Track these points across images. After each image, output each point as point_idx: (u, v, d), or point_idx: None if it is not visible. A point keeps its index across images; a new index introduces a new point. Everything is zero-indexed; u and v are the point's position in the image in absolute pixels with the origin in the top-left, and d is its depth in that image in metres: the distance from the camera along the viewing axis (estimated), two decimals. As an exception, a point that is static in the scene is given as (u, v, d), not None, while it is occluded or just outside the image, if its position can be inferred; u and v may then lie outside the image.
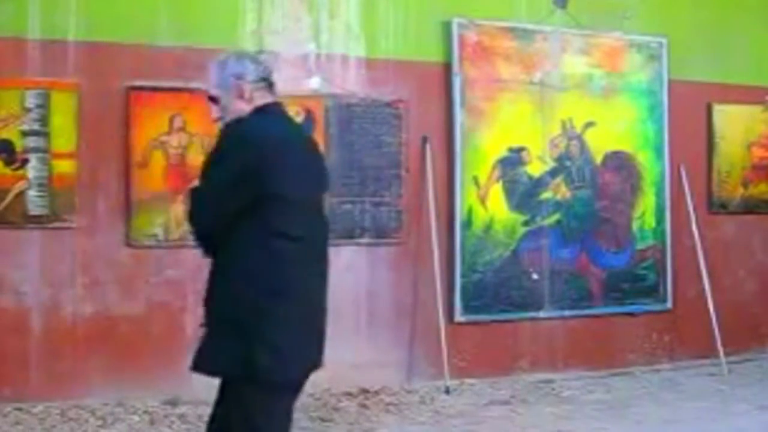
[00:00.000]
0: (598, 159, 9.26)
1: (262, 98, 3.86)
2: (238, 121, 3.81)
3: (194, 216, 3.82)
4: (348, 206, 8.22)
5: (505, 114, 8.84)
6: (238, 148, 3.73)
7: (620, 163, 9.37)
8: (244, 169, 3.65)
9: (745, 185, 9.98)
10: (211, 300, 3.77)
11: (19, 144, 7.38)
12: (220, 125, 3.89)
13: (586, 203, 9.19)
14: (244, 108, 3.82)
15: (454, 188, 8.63)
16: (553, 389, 8.53)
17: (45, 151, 7.42)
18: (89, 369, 7.47)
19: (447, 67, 8.67)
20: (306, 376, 3.86)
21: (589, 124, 9.19)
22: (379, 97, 8.39)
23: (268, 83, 3.91)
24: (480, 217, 8.71)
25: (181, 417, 7.24)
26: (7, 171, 7.35)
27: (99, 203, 7.58)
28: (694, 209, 9.54)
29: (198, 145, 7.63)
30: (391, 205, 8.40)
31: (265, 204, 3.64)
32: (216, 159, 3.78)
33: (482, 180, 8.72)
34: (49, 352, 7.42)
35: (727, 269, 9.81)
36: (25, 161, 7.38)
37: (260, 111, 3.86)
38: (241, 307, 3.65)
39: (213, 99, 3.89)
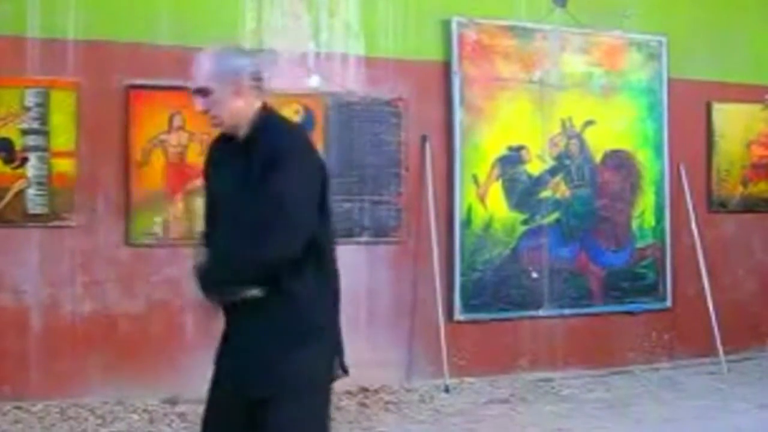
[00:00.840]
0: (598, 158, 9.26)
1: (255, 97, 3.70)
2: (278, 125, 3.71)
3: (294, 234, 3.52)
4: (347, 205, 8.21)
5: (505, 113, 8.84)
6: (309, 157, 3.66)
7: (620, 161, 9.37)
8: (319, 180, 3.65)
9: (744, 184, 9.98)
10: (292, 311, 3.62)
11: (19, 142, 7.38)
12: (212, 121, 3.71)
13: (585, 202, 9.19)
14: (239, 105, 3.64)
15: (453, 187, 8.63)
16: (553, 388, 8.53)
17: (44, 149, 7.43)
18: (89, 367, 7.48)
19: (446, 66, 8.67)
20: None
21: (589, 123, 9.20)
22: (378, 95, 8.39)
23: (260, 82, 3.74)
24: (479, 215, 8.71)
25: (181, 416, 7.23)
26: (7, 169, 7.36)
27: (98, 202, 7.59)
28: (694, 208, 9.55)
29: (197, 144, 7.63)
30: (391, 204, 8.40)
31: None
32: (286, 168, 3.52)
33: (482, 179, 8.72)
34: (48, 350, 7.42)
35: (726, 268, 9.81)
36: (25, 160, 7.39)
37: (275, 114, 3.79)
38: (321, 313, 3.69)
39: (202, 91, 3.64)
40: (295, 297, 3.57)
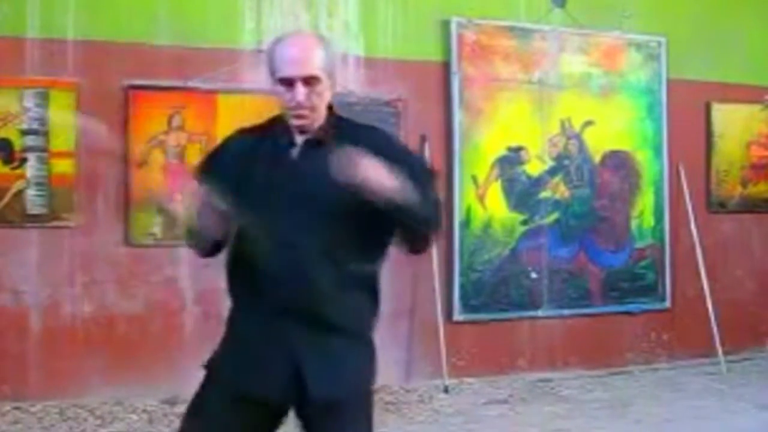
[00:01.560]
0: (597, 158, 9.26)
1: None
2: (359, 123, 3.54)
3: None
4: (347, 205, 8.20)
5: (504, 113, 8.83)
6: None
7: (619, 162, 9.37)
8: None
9: (743, 184, 9.98)
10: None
11: (18, 143, 7.38)
12: (303, 112, 3.33)
13: (584, 202, 9.19)
14: (329, 99, 3.41)
15: (452, 187, 8.62)
16: (552, 388, 8.53)
17: (44, 150, 7.42)
18: (88, 368, 7.48)
19: (446, 66, 8.67)
20: None
21: (588, 123, 9.19)
22: (377, 96, 8.39)
23: None
24: (479, 216, 8.71)
25: (180, 416, 7.19)
26: (6, 170, 7.36)
27: (98, 202, 7.58)
28: (693, 208, 9.54)
29: (196, 144, 7.63)
30: (390, 205, 8.38)
31: None
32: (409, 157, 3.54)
33: (481, 179, 8.72)
34: (47, 351, 7.43)
35: (725, 268, 9.81)
36: (24, 160, 7.39)
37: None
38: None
39: (308, 80, 3.30)
40: (377, 302, 3.54)
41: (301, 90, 3.28)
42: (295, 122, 3.35)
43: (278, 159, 3.39)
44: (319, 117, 3.38)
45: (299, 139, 3.39)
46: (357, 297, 3.43)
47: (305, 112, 3.32)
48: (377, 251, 3.56)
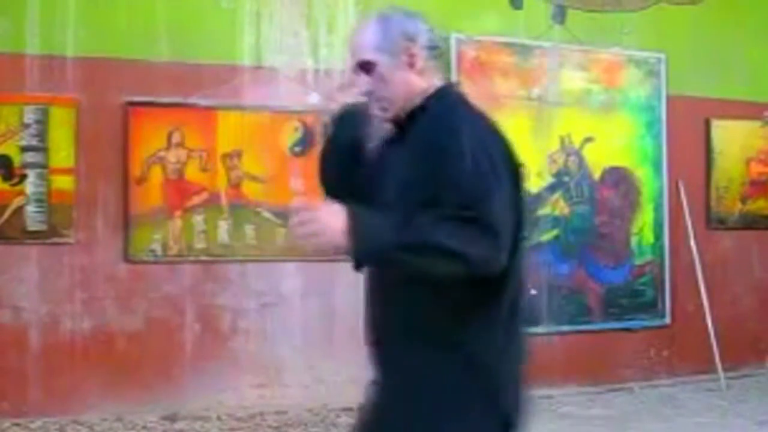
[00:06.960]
0: (597, 174, 9.26)
1: (433, 75, 2.99)
2: (451, 110, 2.93)
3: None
4: (346, 221, 8.19)
5: (503, 129, 8.81)
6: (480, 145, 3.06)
7: (619, 178, 9.37)
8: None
9: (743, 201, 9.98)
10: None
11: (18, 159, 7.39)
12: (378, 104, 2.98)
13: (584, 219, 9.18)
14: (414, 82, 2.93)
15: (452, 203, 8.60)
16: (551, 405, 8.50)
17: (43, 166, 7.43)
18: (88, 384, 7.47)
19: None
20: None
21: (588, 140, 9.19)
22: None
23: (439, 55, 3.06)
24: (478, 232, 8.68)
25: (179, 433, 7.24)
26: (6, 186, 7.37)
27: (97, 219, 7.58)
28: (693, 225, 9.53)
29: (196, 161, 7.63)
30: (390, 221, 8.37)
31: None
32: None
33: (480, 195, 8.69)
34: (47, 367, 7.41)
35: (725, 285, 9.79)
36: (24, 176, 7.39)
37: (454, 93, 3.07)
38: None
39: (365, 66, 2.93)
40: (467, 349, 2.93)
41: (359, 79, 2.96)
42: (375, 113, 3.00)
43: (378, 159, 3.07)
44: (397, 105, 2.96)
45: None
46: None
47: (376, 105, 2.97)
48: None
